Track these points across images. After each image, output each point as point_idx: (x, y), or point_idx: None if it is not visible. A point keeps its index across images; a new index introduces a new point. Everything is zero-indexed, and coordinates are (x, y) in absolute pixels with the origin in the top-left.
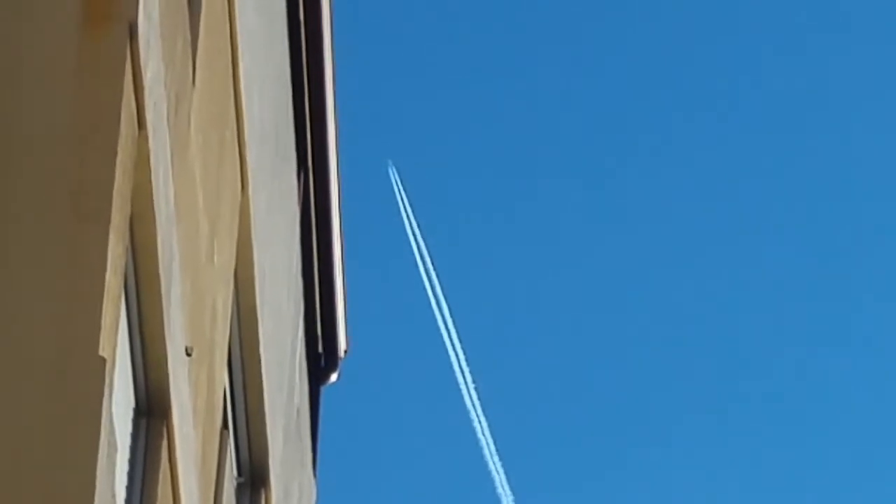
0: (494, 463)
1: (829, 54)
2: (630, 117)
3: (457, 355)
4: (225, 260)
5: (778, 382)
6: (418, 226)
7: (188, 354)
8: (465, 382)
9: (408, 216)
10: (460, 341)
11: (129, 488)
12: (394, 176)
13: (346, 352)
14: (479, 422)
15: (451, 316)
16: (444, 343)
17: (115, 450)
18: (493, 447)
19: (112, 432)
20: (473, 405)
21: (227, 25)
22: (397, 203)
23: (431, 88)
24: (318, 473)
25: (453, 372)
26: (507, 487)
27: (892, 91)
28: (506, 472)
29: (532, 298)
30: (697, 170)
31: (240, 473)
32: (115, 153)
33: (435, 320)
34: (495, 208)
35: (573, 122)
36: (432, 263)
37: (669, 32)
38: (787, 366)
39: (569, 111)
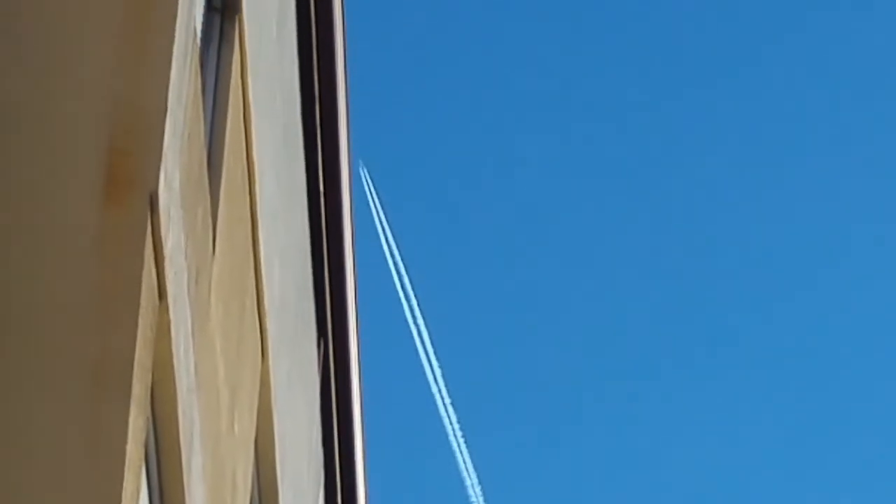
0: None
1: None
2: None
3: None
4: (245, 430)
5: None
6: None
7: None
8: None
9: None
10: None
11: None
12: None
13: None
14: None
15: (481, 485)
16: None
17: None
18: None
19: None
20: None
21: (247, 195)
22: (421, 369)
23: (452, 243)
24: None
25: None
26: None
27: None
28: None
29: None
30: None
31: None
32: (136, 324)
33: (465, 489)
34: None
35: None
36: (461, 432)
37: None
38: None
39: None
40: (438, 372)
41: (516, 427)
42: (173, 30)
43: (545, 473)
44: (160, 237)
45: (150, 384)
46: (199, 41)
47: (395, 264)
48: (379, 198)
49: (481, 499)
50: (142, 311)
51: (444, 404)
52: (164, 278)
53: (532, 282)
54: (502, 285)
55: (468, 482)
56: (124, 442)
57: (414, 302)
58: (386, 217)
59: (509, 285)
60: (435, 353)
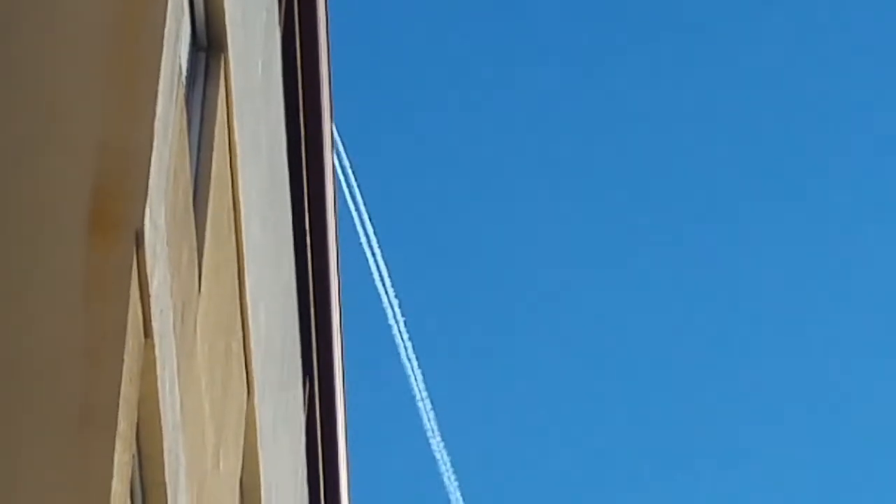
0: None
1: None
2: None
3: None
4: (231, 468)
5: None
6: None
7: None
8: None
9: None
10: None
11: None
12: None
13: None
14: None
15: None
16: None
17: None
18: None
19: None
20: None
21: (233, 234)
22: (413, 408)
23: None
24: None
25: None
26: None
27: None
28: None
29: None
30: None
31: None
32: (122, 361)
33: None
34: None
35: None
36: (454, 472)
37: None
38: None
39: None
40: (431, 413)
41: (515, 475)
42: (158, 68)
43: None
44: (146, 274)
45: (135, 421)
46: (184, 79)
47: (391, 305)
48: (374, 231)
49: None
50: (127, 348)
51: (437, 444)
52: (149, 316)
53: (543, 337)
54: (507, 331)
55: None
56: (110, 478)
57: (407, 342)
58: (381, 252)
59: (516, 330)
60: (428, 391)
